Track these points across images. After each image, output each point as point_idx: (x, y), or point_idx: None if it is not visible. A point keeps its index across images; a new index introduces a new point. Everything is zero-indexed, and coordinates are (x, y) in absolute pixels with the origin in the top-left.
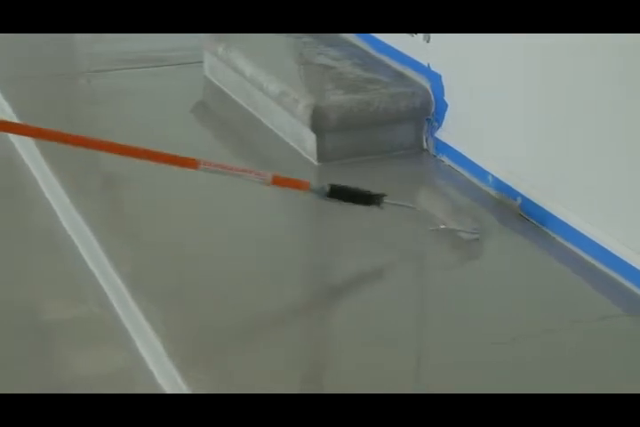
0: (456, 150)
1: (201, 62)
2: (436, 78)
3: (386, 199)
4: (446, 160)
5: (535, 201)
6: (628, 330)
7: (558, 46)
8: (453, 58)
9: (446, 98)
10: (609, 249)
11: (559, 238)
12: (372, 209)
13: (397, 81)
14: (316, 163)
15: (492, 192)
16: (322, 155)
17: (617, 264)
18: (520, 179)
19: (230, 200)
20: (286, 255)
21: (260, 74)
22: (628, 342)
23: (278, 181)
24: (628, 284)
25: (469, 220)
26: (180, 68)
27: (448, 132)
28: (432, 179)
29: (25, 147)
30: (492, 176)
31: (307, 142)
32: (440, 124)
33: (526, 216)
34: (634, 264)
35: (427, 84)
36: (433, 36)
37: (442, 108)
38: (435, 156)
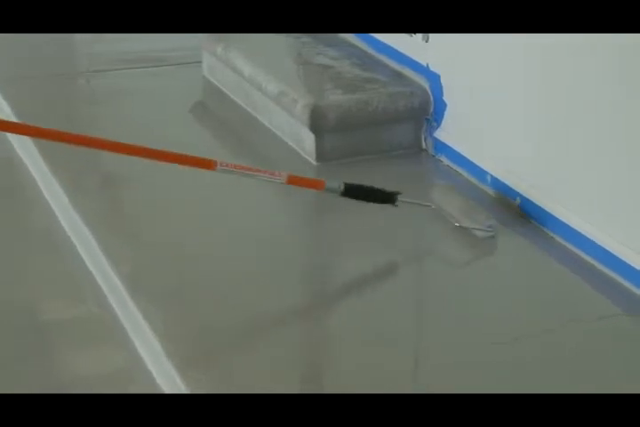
0: (455, 150)
1: (200, 62)
2: (434, 78)
3: (400, 197)
4: (445, 160)
5: (534, 201)
6: (628, 330)
7: (558, 46)
8: (452, 58)
9: (445, 98)
10: (608, 249)
11: (559, 238)
12: (376, 208)
13: (396, 81)
14: (314, 163)
15: (491, 192)
16: (320, 155)
17: (616, 264)
18: (519, 179)
19: (230, 200)
20: (286, 255)
21: (258, 74)
22: (628, 342)
23: (293, 181)
24: (627, 284)
25: (483, 217)
26: (179, 68)
27: (447, 132)
28: (431, 179)
29: (24, 147)
30: (491, 176)
31: (305, 142)
32: (439, 124)
33: (526, 216)
34: (633, 264)
35: (425, 84)
36: (432, 35)
37: (440, 107)
38: (433, 155)
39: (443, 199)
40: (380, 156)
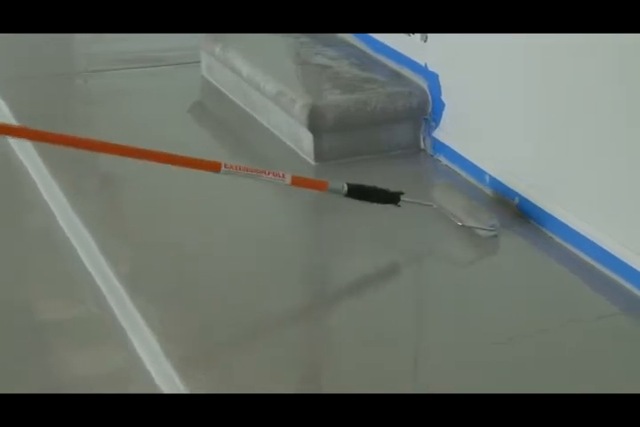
0: (453, 150)
1: (198, 62)
2: (433, 78)
3: (403, 197)
4: (443, 160)
5: (533, 201)
6: (627, 330)
7: (558, 46)
8: (450, 57)
9: (443, 97)
10: (608, 249)
11: (558, 238)
12: (377, 208)
13: (394, 81)
14: (313, 163)
15: (490, 192)
16: (319, 154)
17: (615, 265)
18: (518, 179)
19: (230, 200)
20: (286, 255)
21: (257, 74)
22: (627, 342)
23: (297, 182)
24: (626, 284)
25: (486, 217)
26: (178, 68)
27: (445, 132)
28: (429, 179)
29: (22, 147)
30: (490, 176)
31: (304, 142)
32: (437, 124)
33: (524, 216)
34: (632, 265)
35: (424, 84)
36: (430, 35)
37: (439, 107)
38: (432, 155)
39: (444, 198)
40: (379, 156)
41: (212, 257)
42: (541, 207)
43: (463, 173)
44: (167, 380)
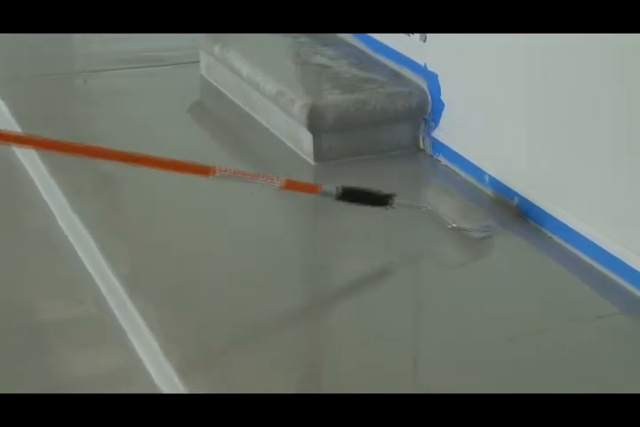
0: (453, 150)
1: (197, 62)
2: (432, 78)
3: (396, 199)
4: (443, 160)
5: (533, 201)
6: (627, 330)
7: (558, 46)
8: (450, 57)
9: (443, 97)
10: (607, 249)
11: (557, 239)
12: (375, 209)
13: (394, 80)
14: (312, 163)
15: (489, 192)
16: (318, 155)
17: (615, 265)
18: (517, 179)
19: (230, 200)
20: (286, 255)
21: (256, 74)
22: (627, 342)
23: (290, 185)
24: (626, 284)
25: (480, 218)
26: (177, 67)
27: (445, 132)
28: (429, 179)
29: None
30: (489, 176)
31: (303, 142)
32: (437, 124)
33: (524, 216)
34: (632, 265)
35: (423, 84)
36: (429, 35)
37: (438, 107)
38: (431, 155)
39: (438, 200)
40: (379, 156)
41: (211, 257)
42: (541, 207)
43: (463, 173)
44: (167, 380)
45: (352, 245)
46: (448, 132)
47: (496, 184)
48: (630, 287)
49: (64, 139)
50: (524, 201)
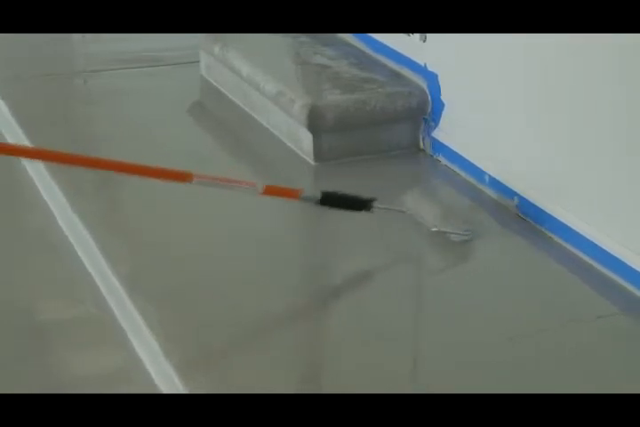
0: (453, 150)
1: (197, 62)
2: (432, 78)
3: (376, 204)
4: (443, 160)
5: (532, 201)
6: (627, 330)
7: (558, 46)
8: (450, 57)
9: (443, 97)
10: (607, 249)
11: (557, 239)
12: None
13: (394, 80)
14: (312, 163)
15: (489, 192)
16: (318, 155)
17: (615, 265)
18: (517, 179)
19: (229, 200)
20: (286, 255)
21: (256, 74)
22: (627, 342)
23: (270, 191)
24: (625, 284)
25: (460, 221)
26: (177, 67)
27: (445, 132)
28: (428, 179)
29: None
30: (489, 176)
31: (303, 142)
32: (437, 124)
33: (524, 216)
34: (632, 265)
35: (423, 84)
36: (429, 35)
37: (438, 107)
38: (431, 155)
39: (418, 204)
40: (379, 156)
41: (211, 257)
42: (541, 207)
43: (463, 173)
44: (167, 380)
45: (353, 244)
46: (448, 132)
47: (496, 184)
48: (630, 287)
49: (63, 139)
50: (523, 201)
